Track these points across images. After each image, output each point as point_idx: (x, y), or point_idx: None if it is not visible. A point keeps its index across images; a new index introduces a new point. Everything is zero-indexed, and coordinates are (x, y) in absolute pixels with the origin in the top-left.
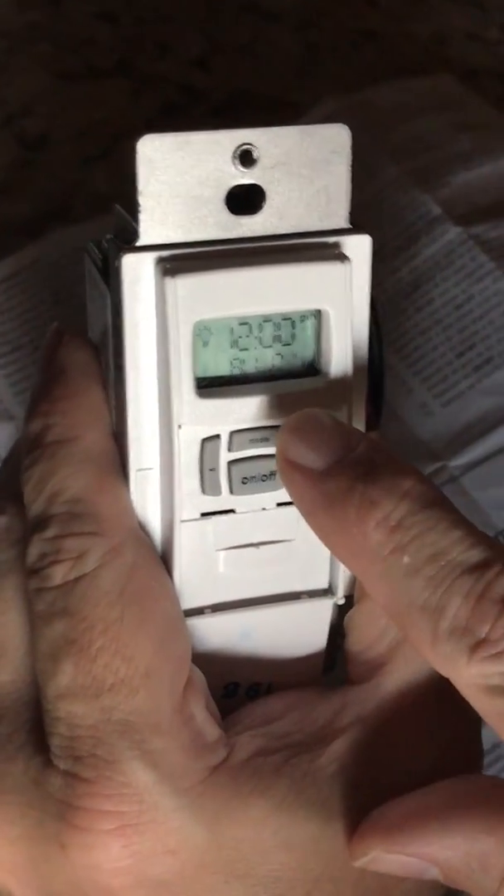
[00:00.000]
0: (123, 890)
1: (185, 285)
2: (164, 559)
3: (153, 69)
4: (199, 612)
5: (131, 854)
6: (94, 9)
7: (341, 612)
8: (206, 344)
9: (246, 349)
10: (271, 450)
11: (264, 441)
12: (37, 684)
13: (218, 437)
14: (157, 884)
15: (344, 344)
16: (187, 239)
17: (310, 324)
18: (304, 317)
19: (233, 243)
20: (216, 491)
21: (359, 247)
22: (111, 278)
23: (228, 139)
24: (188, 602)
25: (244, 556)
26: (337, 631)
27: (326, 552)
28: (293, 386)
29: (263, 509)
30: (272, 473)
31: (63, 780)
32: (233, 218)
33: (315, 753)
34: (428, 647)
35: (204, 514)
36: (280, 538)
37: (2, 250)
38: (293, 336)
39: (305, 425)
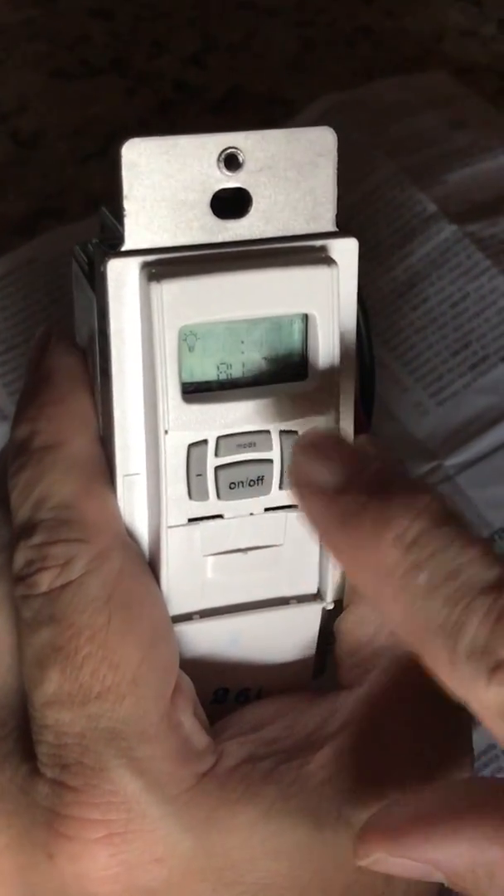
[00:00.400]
0: None
1: (171, 290)
2: (152, 565)
3: (148, 66)
4: (187, 617)
5: (119, 863)
6: (88, 6)
7: (330, 616)
8: (192, 349)
9: (232, 354)
10: (259, 455)
11: (251, 446)
12: (24, 692)
13: (205, 442)
14: (145, 892)
15: (331, 348)
16: (173, 243)
17: (297, 328)
18: (291, 321)
19: (219, 247)
20: (203, 496)
21: (346, 250)
22: (96, 283)
23: (214, 143)
24: (176, 608)
25: (232, 561)
26: (326, 636)
27: (315, 557)
28: (281, 390)
29: (251, 514)
30: (260, 478)
31: (50, 788)
32: (219, 222)
33: (304, 759)
34: (445, 669)
35: (191, 520)
36: (268, 543)
37: None
38: (280, 340)
39: (318, 443)
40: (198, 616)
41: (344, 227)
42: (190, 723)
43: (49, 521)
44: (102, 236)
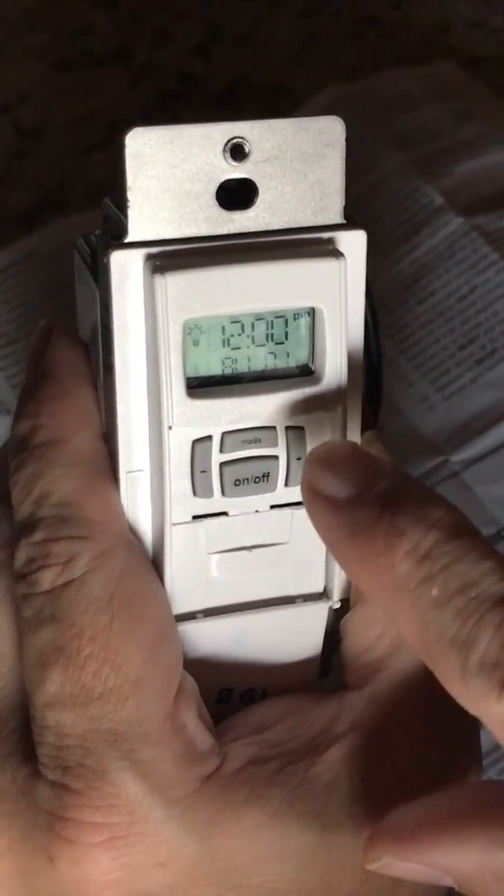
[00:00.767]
0: None
1: (175, 283)
2: (156, 563)
3: (152, 57)
4: (191, 617)
5: (121, 867)
6: None
7: (337, 615)
8: (196, 343)
9: (238, 348)
10: (264, 451)
11: (257, 442)
12: (25, 692)
13: (209, 438)
14: None
15: (339, 342)
16: (177, 235)
17: (303, 322)
18: (297, 315)
19: (224, 239)
20: (208, 493)
21: (354, 242)
22: (99, 275)
23: (219, 132)
24: (180, 607)
25: (237, 559)
26: (332, 635)
27: (321, 555)
28: (287, 386)
29: (257, 512)
30: (265, 475)
31: (51, 790)
32: (224, 213)
33: (310, 761)
34: (457, 683)
35: (196, 517)
36: (274, 541)
37: None
38: (286, 335)
39: (332, 455)
40: (202, 615)
41: (351, 220)
42: (194, 724)
43: (51, 518)
44: (105, 228)
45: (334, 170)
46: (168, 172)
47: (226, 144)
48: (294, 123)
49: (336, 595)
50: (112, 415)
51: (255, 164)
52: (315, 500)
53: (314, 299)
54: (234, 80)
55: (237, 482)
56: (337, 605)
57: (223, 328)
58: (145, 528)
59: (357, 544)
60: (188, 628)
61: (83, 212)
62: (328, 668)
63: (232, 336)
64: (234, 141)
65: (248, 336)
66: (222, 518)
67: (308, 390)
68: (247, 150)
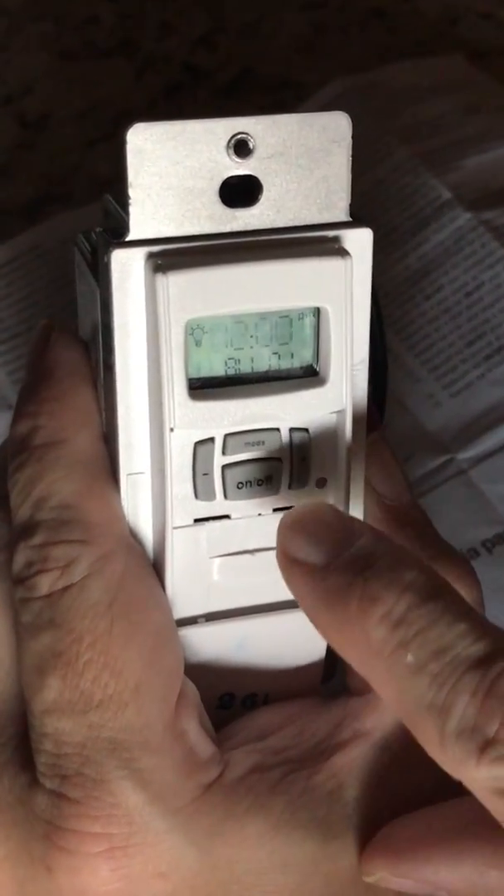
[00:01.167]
0: None
1: (177, 282)
2: (156, 567)
3: (156, 48)
4: (192, 621)
5: (120, 878)
6: None
7: None
8: (199, 343)
9: (241, 349)
10: (267, 453)
11: (260, 444)
12: (23, 698)
13: (212, 440)
14: None
15: (344, 343)
16: (180, 233)
17: (308, 322)
18: (302, 315)
19: (227, 238)
20: (210, 496)
21: (360, 241)
22: (100, 274)
23: (223, 128)
24: (181, 611)
25: (239, 563)
26: None
27: None
28: (291, 387)
29: (259, 515)
30: (268, 478)
31: (49, 799)
32: (227, 211)
33: (313, 769)
34: (435, 749)
35: (197, 520)
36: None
37: (1, 234)
38: (291, 335)
39: (305, 519)
40: (203, 619)
41: (357, 217)
42: (195, 731)
43: (50, 521)
44: (106, 225)
45: (340, 166)
46: (170, 169)
47: (229, 140)
48: (299, 119)
49: None
50: (112, 416)
51: (259, 160)
52: (288, 566)
53: (319, 299)
54: (240, 72)
55: (240, 485)
56: None
57: (226, 328)
58: (146, 532)
59: (332, 611)
60: (189, 633)
61: (87, 205)
62: (331, 673)
63: (235, 336)
64: (238, 137)
65: (251, 336)
66: (224, 521)
67: (313, 391)
68: (251, 146)
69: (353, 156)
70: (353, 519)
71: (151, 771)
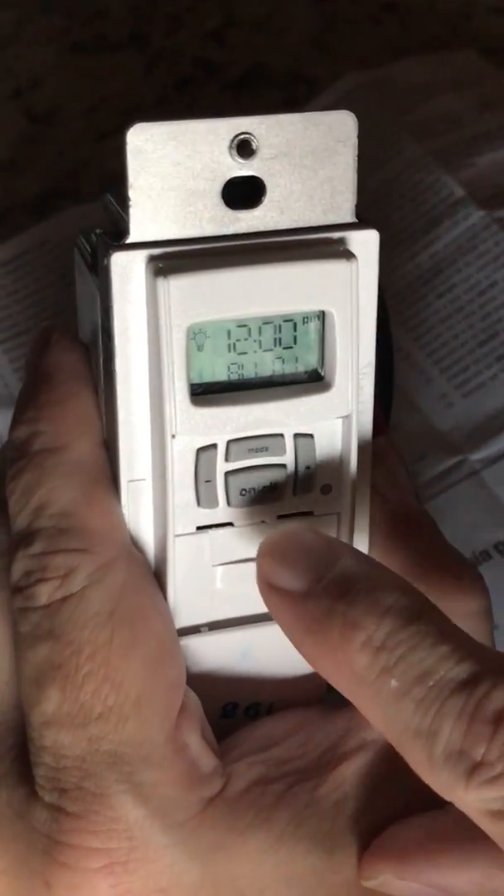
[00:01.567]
0: None
1: (179, 286)
2: (158, 576)
3: (167, 42)
4: (194, 630)
5: (120, 894)
6: None
7: None
8: (201, 348)
9: (244, 353)
10: (271, 459)
11: (264, 450)
12: (22, 709)
13: (214, 446)
14: None
15: (350, 347)
16: (181, 235)
17: (313, 326)
18: (306, 318)
19: (230, 240)
20: (212, 503)
21: (365, 243)
22: (100, 277)
23: (226, 128)
24: (183, 620)
25: (243, 571)
26: None
27: None
28: (295, 392)
29: (263, 522)
30: (272, 485)
31: (48, 813)
32: (230, 213)
33: (318, 781)
34: (425, 773)
35: (200, 528)
36: None
37: (8, 229)
38: (295, 339)
39: (282, 545)
40: (206, 629)
41: (364, 217)
42: (197, 744)
43: (49, 529)
44: (106, 226)
45: (346, 166)
46: (171, 170)
47: (232, 140)
48: (304, 118)
49: None
50: (113, 422)
51: (262, 160)
52: (269, 593)
53: (324, 302)
54: (251, 67)
55: (243, 492)
56: None
57: (229, 333)
58: (147, 540)
59: (315, 638)
60: (192, 642)
61: (96, 200)
62: None
63: (238, 341)
64: (241, 137)
65: (254, 341)
66: (227, 529)
67: (317, 397)
68: (254, 146)
69: (363, 153)
70: (332, 540)
71: (152, 785)
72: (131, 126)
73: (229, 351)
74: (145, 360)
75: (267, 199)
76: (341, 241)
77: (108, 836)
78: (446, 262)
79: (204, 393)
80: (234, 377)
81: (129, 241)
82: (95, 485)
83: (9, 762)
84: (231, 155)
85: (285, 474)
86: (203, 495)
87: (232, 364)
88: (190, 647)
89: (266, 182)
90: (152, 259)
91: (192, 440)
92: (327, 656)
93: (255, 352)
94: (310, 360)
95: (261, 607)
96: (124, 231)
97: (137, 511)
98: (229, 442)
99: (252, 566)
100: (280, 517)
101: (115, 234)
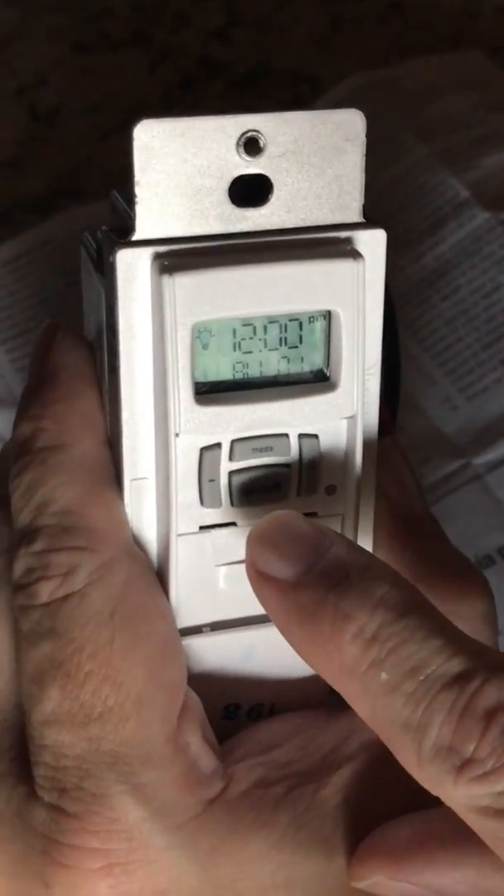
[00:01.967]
0: None
1: (184, 284)
2: (160, 575)
3: (171, 40)
4: (196, 630)
5: (119, 895)
6: None
7: None
8: (205, 346)
9: (249, 352)
10: (276, 459)
11: (268, 450)
12: (22, 708)
13: (218, 445)
14: None
15: (356, 347)
16: (187, 233)
17: (319, 325)
18: (312, 318)
19: (236, 238)
20: (216, 503)
21: (373, 242)
22: (105, 274)
23: (233, 125)
24: (185, 620)
25: (245, 571)
26: None
27: None
28: (300, 392)
29: None
30: (276, 485)
31: (48, 813)
32: (237, 210)
33: (319, 783)
34: (413, 768)
35: (203, 528)
36: None
37: (10, 229)
38: (301, 338)
39: (273, 532)
40: (208, 629)
41: (371, 217)
42: (198, 745)
43: (51, 527)
44: (112, 223)
45: (353, 165)
46: (178, 167)
47: (240, 138)
48: (312, 116)
49: None
50: (117, 420)
51: (270, 158)
52: (258, 581)
53: (330, 302)
54: (256, 66)
55: (247, 492)
56: None
57: (234, 331)
58: (150, 539)
59: (304, 628)
60: (194, 642)
61: (99, 199)
62: None
63: (243, 340)
64: (249, 134)
65: (260, 340)
66: (231, 528)
67: (323, 397)
68: (261, 144)
69: (368, 153)
70: (323, 528)
71: (152, 786)
72: (138, 122)
73: (234, 350)
74: (150, 357)
75: (274, 198)
76: (348, 240)
77: (108, 837)
78: (451, 264)
79: (208, 392)
80: (238, 376)
81: (134, 238)
82: (98, 483)
83: (8, 761)
84: (238, 152)
85: (289, 475)
86: (206, 495)
87: (237, 363)
88: (192, 648)
89: (273, 180)
90: (158, 256)
91: (195, 439)
92: (317, 647)
93: (260, 351)
94: (315, 360)
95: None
96: (130, 228)
97: (140, 510)
98: (233, 441)
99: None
100: None
101: (121, 232)
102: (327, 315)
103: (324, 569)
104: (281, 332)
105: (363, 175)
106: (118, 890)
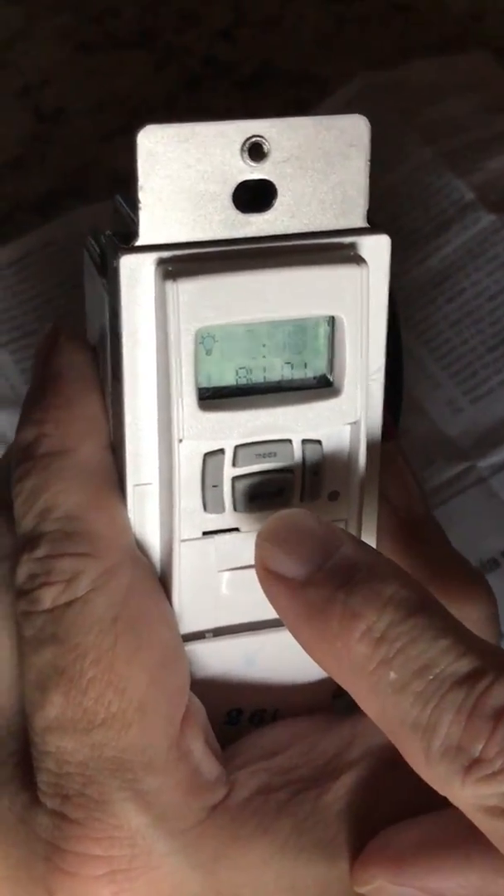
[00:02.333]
0: None
1: (188, 290)
2: (163, 580)
3: (176, 40)
4: (199, 636)
5: None
6: None
7: None
8: (209, 352)
9: (253, 358)
10: (279, 465)
11: (272, 456)
12: (25, 714)
13: (222, 451)
14: None
15: (359, 353)
16: (191, 238)
17: (322, 331)
18: (316, 324)
19: (240, 243)
20: (219, 508)
21: (377, 248)
22: (108, 280)
23: (237, 131)
24: (188, 626)
25: (248, 577)
26: None
27: None
28: (304, 398)
29: None
30: (279, 490)
31: (50, 819)
32: (241, 216)
33: (322, 789)
34: (421, 766)
35: (206, 533)
36: None
37: (14, 229)
38: (304, 344)
39: (282, 531)
40: (211, 634)
41: (376, 222)
42: (200, 751)
43: (54, 532)
44: (115, 227)
45: (357, 170)
46: (182, 172)
47: (244, 143)
48: (316, 122)
49: None
50: (120, 425)
51: (274, 164)
52: (268, 580)
53: (334, 307)
54: (261, 66)
55: (250, 497)
56: None
57: (238, 337)
58: (153, 544)
59: (313, 626)
60: (196, 648)
61: (103, 200)
62: (342, 689)
63: (247, 345)
64: (253, 140)
65: (263, 345)
66: (234, 534)
67: (326, 403)
68: (266, 149)
69: (373, 155)
70: (332, 526)
71: (155, 792)
72: (142, 128)
73: (238, 355)
74: (153, 363)
75: (278, 203)
76: (352, 245)
77: (111, 844)
78: (456, 267)
79: (212, 397)
80: (242, 382)
81: (138, 243)
82: (101, 489)
83: (11, 767)
84: (242, 158)
85: (293, 480)
86: (210, 500)
87: (240, 369)
88: (194, 653)
89: (277, 185)
90: (161, 262)
91: (199, 445)
92: (325, 645)
93: (263, 357)
94: (319, 366)
95: (266, 614)
96: (134, 233)
97: (143, 515)
98: (237, 447)
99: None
100: None
101: (125, 237)
102: (331, 321)
103: (333, 567)
104: (284, 337)
105: (367, 180)
106: None
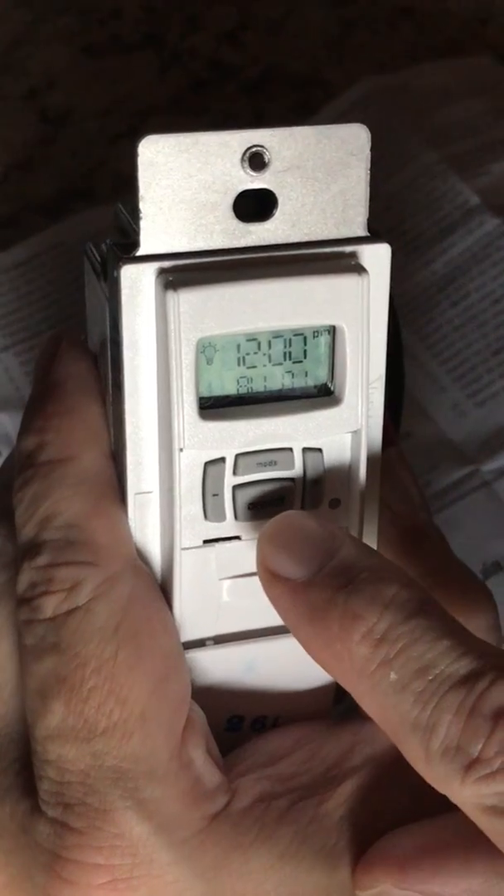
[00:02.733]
0: None
1: (189, 300)
2: (164, 589)
3: (182, 44)
4: (200, 644)
5: None
6: None
7: None
8: (210, 362)
9: (253, 367)
10: (280, 473)
11: (272, 464)
12: (26, 722)
13: (222, 460)
14: None
15: (360, 362)
16: (192, 248)
17: (323, 340)
18: (316, 333)
19: (241, 253)
20: (220, 517)
21: (377, 257)
22: (109, 289)
23: (237, 140)
24: (189, 634)
25: (249, 585)
26: None
27: None
28: (304, 407)
29: None
30: (280, 499)
31: (52, 828)
32: (241, 225)
33: (323, 796)
34: (421, 766)
35: (206, 542)
36: None
37: (21, 231)
38: (305, 353)
39: (284, 532)
40: (212, 642)
41: (377, 231)
42: (202, 760)
43: (56, 541)
44: (116, 236)
45: (358, 180)
46: (183, 182)
47: (244, 153)
48: (317, 131)
49: None
50: (121, 434)
51: (274, 173)
52: (270, 582)
53: (334, 317)
54: (266, 69)
55: (251, 506)
56: None
57: (238, 346)
58: (154, 553)
59: (314, 627)
60: (197, 656)
61: (110, 202)
62: (343, 696)
63: (247, 355)
64: (253, 149)
65: (264, 355)
66: (234, 542)
67: (327, 411)
68: (266, 159)
69: (378, 159)
70: (333, 528)
71: (156, 801)
72: (142, 138)
73: (238, 365)
74: (154, 372)
75: (278, 213)
76: (353, 255)
77: (112, 853)
78: (460, 270)
79: (213, 406)
80: (243, 391)
81: (139, 253)
82: (102, 497)
83: (12, 775)
84: (243, 167)
85: (293, 488)
86: (210, 509)
87: (241, 378)
88: (195, 661)
89: (278, 195)
90: (162, 272)
91: (200, 454)
92: (326, 646)
93: (264, 366)
94: (319, 375)
95: (266, 621)
96: (135, 243)
97: (144, 524)
98: (237, 456)
99: (258, 580)
100: None
101: (125, 246)
102: (332, 330)
103: (334, 569)
104: (285, 346)
105: (367, 189)
106: None
